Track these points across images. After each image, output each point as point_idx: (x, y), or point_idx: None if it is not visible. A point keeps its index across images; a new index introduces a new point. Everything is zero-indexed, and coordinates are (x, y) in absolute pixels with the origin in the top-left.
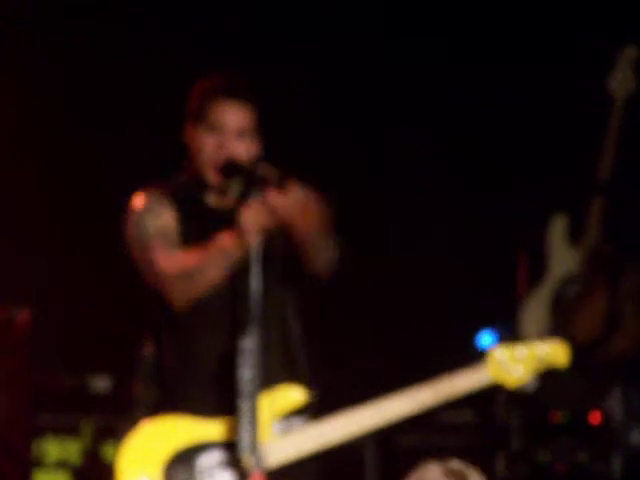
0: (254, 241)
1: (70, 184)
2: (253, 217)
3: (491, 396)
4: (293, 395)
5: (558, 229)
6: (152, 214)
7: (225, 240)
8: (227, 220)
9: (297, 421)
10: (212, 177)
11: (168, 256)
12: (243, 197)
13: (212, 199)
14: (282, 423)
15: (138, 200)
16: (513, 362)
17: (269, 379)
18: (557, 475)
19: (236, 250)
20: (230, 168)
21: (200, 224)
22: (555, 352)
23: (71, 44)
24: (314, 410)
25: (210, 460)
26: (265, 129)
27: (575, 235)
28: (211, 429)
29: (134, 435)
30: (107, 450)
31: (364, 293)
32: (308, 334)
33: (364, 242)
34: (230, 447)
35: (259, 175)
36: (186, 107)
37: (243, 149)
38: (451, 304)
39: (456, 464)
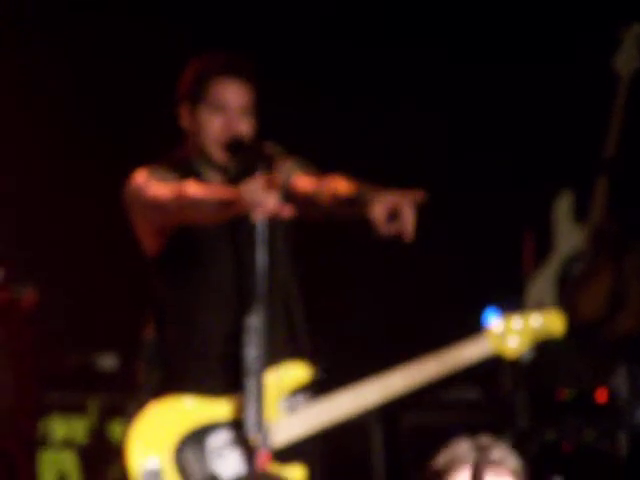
0: (254, 214)
1: (75, 161)
2: (255, 191)
3: (497, 374)
4: (298, 372)
5: (564, 207)
6: (155, 181)
7: (226, 191)
8: None
9: (302, 398)
10: (218, 155)
11: (164, 185)
12: (248, 174)
13: (214, 177)
14: (287, 400)
15: (140, 173)
16: (510, 333)
17: (274, 356)
18: (563, 453)
19: (232, 207)
20: (237, 146)
21: None
22: (551, 322)
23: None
24: (318, 387)
25: (219, 440)
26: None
27: (581, 213)
28: (219, 409)
29: (142, 418)
30: (114, 428)
31: (369, 269)
32: (310, 309)
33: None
34: (238, 426)
35: (265, 152)
36: (180, 87)
37: (247, 126)
38: (457, 282)
39: (486, 439)
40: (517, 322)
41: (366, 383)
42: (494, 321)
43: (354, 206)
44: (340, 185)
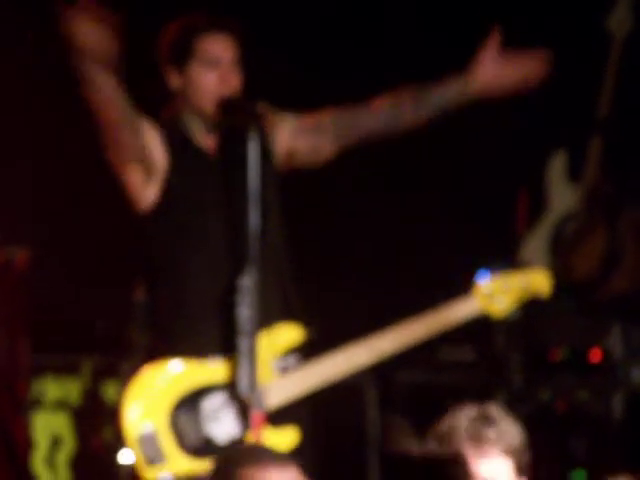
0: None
1: (67, 126)
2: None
3: (490, 334)
4: (290, 333)
5: (558, 167)
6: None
7: None
8: (218, 159)
9: (294, 360)
10: (211, 111)
11: None
12: (239, 133)
13: (203, 133)
14: (280, 362)
15: None
16: (498, 293)
17: (267, 317)
18: (557, 413)
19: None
20: (231, 106)
21: (192, 164)
22: (538, 281)
23: None
24: (310, 348)
25: (214, 402)
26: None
27: (575, 173)
28: (212, 371)
29: (136, 382)
30: (107, 389)
31: (360, 229)
32: (301, 270)
33: (362, 180)
34: (232, 388)
35: (258, 112)
36: (163, 48)
37: (238, 81)
38: (450, 242)
39: (490, 410)
40: (504, 282)
41: (357, 344)
42: (481, 281)
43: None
44: (393, 98)
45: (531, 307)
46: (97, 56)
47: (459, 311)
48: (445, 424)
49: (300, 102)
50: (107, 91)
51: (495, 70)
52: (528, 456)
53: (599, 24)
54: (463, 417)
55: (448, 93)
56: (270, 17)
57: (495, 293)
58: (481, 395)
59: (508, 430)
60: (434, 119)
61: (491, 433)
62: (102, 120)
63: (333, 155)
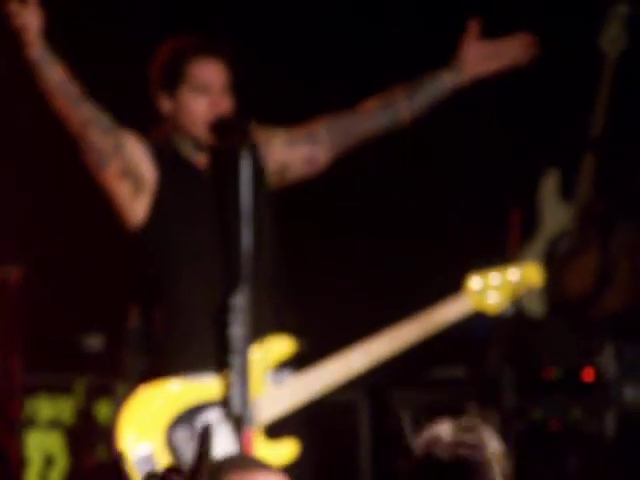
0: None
1: (60, 142)
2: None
3: (484, 353)
4: (283, 346)
5: (550, 185)
6: None
7: None
8: (210, 178)
9: (287, 372)
10: (203, 135)
11: None
12: (233, 153)
13: (196, 156)
14: (273, 374)
15: None
16: (489, 289)
17: (259, 331)
18: (551, 432)
19: None
20: (223, 126)
21: (184, 181)
22: (529, 275)
23: None
24: (302, 360)
25: (209, 419)
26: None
27: (567, 191)
28: (206, 389)
29: (131, 404)
30: (100, 409)
31: (353, 239)
32: (292, 279)
33: (354, 188)
34: (226, 404)
35: (250, 131)
36: (155, 71)
37: (229, 105)
38: (441, 260)
39: (469, 420)
40: (495, 278)
41: (351, 350)
42: (472, 278)
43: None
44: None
45: (524, 326)
46: (33, 41)
47: (452, 310)
48: (427, 435)
49: (293, 109)
50: (52, 80)
51: (479, 56)
52: (509, 467)
53: (592, 43)
54: (445, 427)
55: (440, 84)
56: (260, 25)
57: (487, 289)
58: (475, 413)
59: (490, 438)
60: (428, 112)
61: (475, 439)
62: (61, 114)
63: (328, 164)
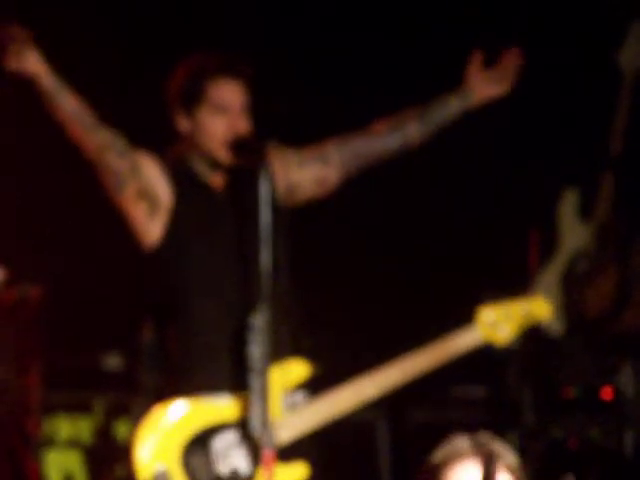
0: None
1: (80, 159)
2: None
3: (503, 372)
4: (299, 369)
5: (569, 204)
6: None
7: None
8: (227, 199)
9: (302, 395)
10: (221, 155)
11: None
12: (251, 173)
13: (214, 177)
14: (289, 397)
15: None
16: (500, 321)
17: (276, 353)
18: (570, 451)
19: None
20: (241, 146)
21: (200, 202)
22: (538, 308)
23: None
24: (318, 383)
25: (225, 441)
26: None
27: (586, 210)
28: (223, 409)
29: (147, 423)
30: (119, 428)
31: (365, 263)
32: (307, 305)
33: (366, 213)
34: (243, 426)
35: (267, 150)
36: (173, 89)
37: (246, 125)
38: (461, 281)
39: (483, 437)
40: (506, 310)
41: (364, 377)
42: (483, 310)
43: (441, 112)
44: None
45: (542, 345)
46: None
47: (463, 341)
48: (440, 453)
49: (302, 130)
50: (65, 109)
51: (485, 82)
52: (525, 478)
53: (610, 60)
54: (459, 444)
55: (449, 108)
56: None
57: (498, 322)
58: (494, 433)
59: (506, 449)
60: (437, 135)
61: (496, 448)
62: (76, 141)
63: (338, 185)
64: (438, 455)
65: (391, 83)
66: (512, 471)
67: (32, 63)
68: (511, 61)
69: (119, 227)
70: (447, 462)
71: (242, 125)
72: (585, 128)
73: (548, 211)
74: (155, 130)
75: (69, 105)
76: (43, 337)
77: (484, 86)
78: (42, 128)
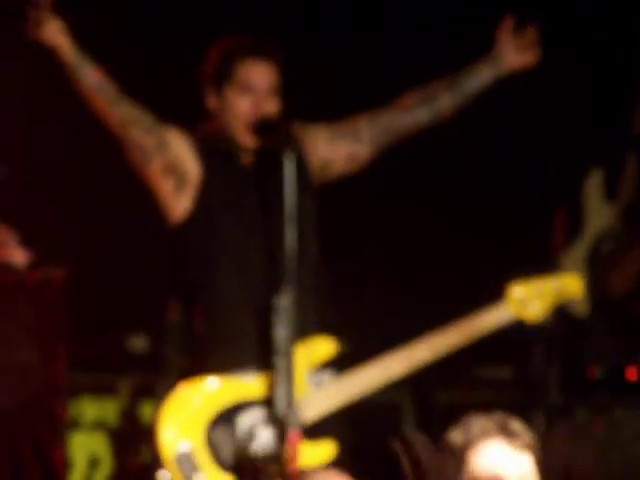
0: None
1: (106, 140)
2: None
3: (528, 353)
4: (325, 347)
5: (594, 184)
6: None
7: None
8: (255, 178)
9: (328, 373)
10: (245, 137)
11: None
12: (275, 156)
13: (241, 157)
14: (315, 376)
15: None
16: (531, 298)
17: (301, 332)
18: (595, 431)
19: None
20: (265, 127)
21: (228, 179)
22: (570, 285)
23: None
24: (345, 361)
25: (250, 419)
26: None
27: (611, 190)
28: (249, 388)
29: (171, 401)
30: (144, 410)
31: (395, 239)
32: (334, 283)
33: (395, 190)
34: (268, 405)
35: (292, 133)
36: (206, 68)
37: (274, 107)
38: (486, 261)
39: (499, 416)
40: (537, 287)
41: (392, 355)
42: (514, 287)
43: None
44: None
45: (568, 325)
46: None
47: (493, 318)
48: (460, 434)
49: (332, 106)
50: (88, 82)
51: (515, 49)
52: (540, 455)
53: (634, 40)
54: (483, 420)
55: (479, 78)
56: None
57: (528, 298)
58: (519, 413)
59: (524, 427)
60: (466, 106)
61: (514, 428)
62: (100, 115)
63: (369, 160)
64: (458, 436)
65: (418, 55)
66: (531, 450)
67: (54, 33)
68: (532, 35)
69: (143, 207)
70: (471, 442)
71: (269, 106)
72: (609, 107)
73: (574, 191)
74: (188, 108)
75: (91, 77)
76: (68, 319)
77: (514, 53)
78: (64, 107)
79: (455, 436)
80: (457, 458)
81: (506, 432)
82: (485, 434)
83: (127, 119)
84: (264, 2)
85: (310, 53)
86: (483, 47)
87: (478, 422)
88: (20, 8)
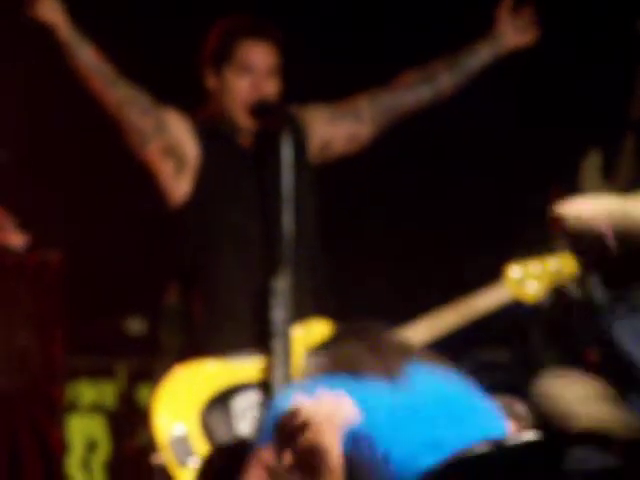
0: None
1: (103, 124)
2: None
3: (526, 335)
4: (322, 330)
5: (592, 165)
6: None
7: None
8: (253, 159)
9: None
10: (243, 118)
11: None
12: (274, 138)
13: (240, 138)
14: (310, 357)
15: None
16: (528, 278)
17: (299, 315)
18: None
19: None
20: (263, 109)
21: (227, 161)
22: (566, 265)
23: None
24: None
25: (245, 402)
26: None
27: (609, 171)
28: (245, 371)
29: (167, 383)
30: (142, 393)
31: (393, 221)
32: (332, 265)
33: (394, 173)
34: (264, 388)
35: (290, 115)
36: (205, 48)
37: (273, 88)
38: (483, 240)
39: (505, 399)
40: (534, 267)
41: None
42: (511, 267)
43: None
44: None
45: (566, 308)
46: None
47: (491, 298)
48: None
49: (330, 86)
50: (84, 61)
51: (515, 28)
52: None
53: (631, 23)
54: None
55: (478, 57)
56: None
57: (526, 278)
58: (517, 397)
59: (525, 408)
60: (466, 84)
61: (520, 409)
62: (97, 96)
63: (370, 140)
64: None
65: (418, 34)
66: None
67: (51, 11)
68: (529, 14)
69: (140, 190)
70: None
71: (268, 87)
72: (607, 90)
73: (571, 172)
74: (188, 90)
75: (88, 58)
76: (65, 302)
77: (513, 32)
78: (63, 91)
79: None
80: None
81: (511, 415)
82: None
83: (124, 100)
84: None
85: (310, 35)
86: (482, 27)
87: None
88: None
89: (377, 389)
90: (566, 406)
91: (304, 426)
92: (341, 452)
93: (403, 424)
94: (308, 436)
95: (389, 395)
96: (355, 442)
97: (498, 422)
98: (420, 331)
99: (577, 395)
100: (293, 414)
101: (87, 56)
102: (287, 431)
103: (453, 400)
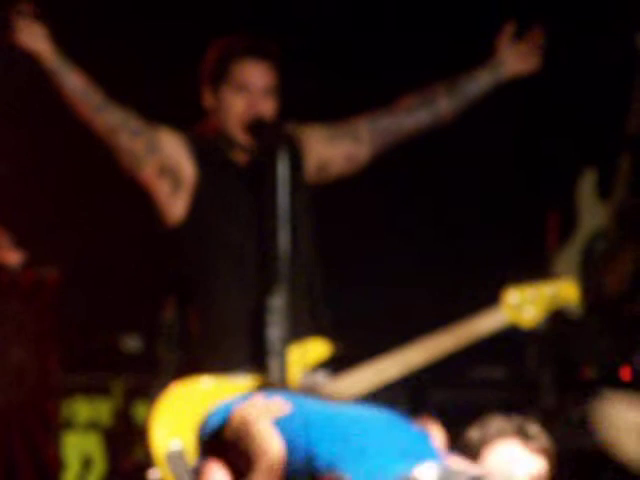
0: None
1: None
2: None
3: (522, 354)
4: (319, 348)
5: (588, 184)
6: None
7: None
8: (250, 177)
9: (322, 375)
10: (240, 136)
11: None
12: (270, 155)
13: (236, 156)
14: (309, 376)
15: None
16: (525, 303)
17: (295, 333)
18: (589, 431)
19: None
20: (258, 127)
21: (223, 179)
22: (565, 290)
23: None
24: (338, 363)
25: None
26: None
27: (604, 190)
28: (241, 388)
29: (164, 400)
30: (138, 410)
31: (391, 244)
32: (330, 285)
33: (392, 195)
34: None
35: (287, 133)
36: (203, 67)
37: (269, 107)
38: (480, 261)
39: (518, 419)
40: (532, 292)
41: (385, 358)
42: (509, 292)
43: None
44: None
45: (562, 326)
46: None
47: (488, 322)
48: (479, 432)
49: (330, 107)
50: (72, 88)
51: (516, 55)
52: (556, 463)
53: (628, 40)
54: (501, 420)
55: (481, 81)
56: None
57: (523, 303)
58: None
59: (541, 431)
60: (465, 110)
61: (532, 430)
62: (85, 122)
63: (368, 161)
64: (476, 433)
65: (417, 59)
66: (546, 454)
67: (36, 40)
68: (536, 39)
69: (136, 207)
70: (487, 440)
71: (265, 106)
72: (603, 108)
73: (567, 191)
74: (184, 108)
75: (74, 85)
76: (61, 319)
77: (514, 60)
78: (60, 108)
79: (473, 433)
80: (472, 454)
81: (522, 434)
82: (501, 434)
83: (113, 125)
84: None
85: (310, 54)
86: (484, 52)
87: (496, 422)
88: (3, 14)
89: (309, 400)
90: (617, 434)
91: (240, 424)
92: (277, 436)
93: (330, 425)
94: (242, 427)
95: (320, 404)
96: (285, 429)
97: (425, 443)
98: (417, 353)
99: (628, 424)
100: (230, 420)
101: (73, 83)
102: (227, 434)
103: (381, 418)
